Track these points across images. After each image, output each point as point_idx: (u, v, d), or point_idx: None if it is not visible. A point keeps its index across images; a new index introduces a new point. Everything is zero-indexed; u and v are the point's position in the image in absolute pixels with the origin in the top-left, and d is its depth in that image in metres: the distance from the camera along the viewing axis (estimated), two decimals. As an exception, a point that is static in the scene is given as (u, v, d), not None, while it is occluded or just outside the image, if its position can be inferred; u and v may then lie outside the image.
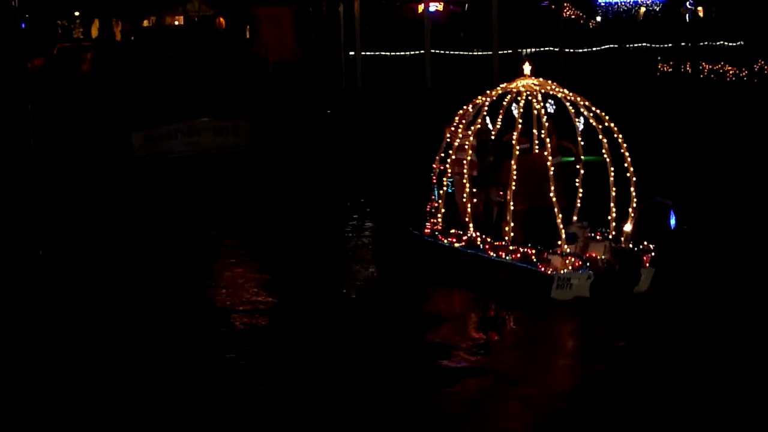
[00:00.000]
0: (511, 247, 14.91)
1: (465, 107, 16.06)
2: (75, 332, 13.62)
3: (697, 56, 38.82)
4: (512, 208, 14.81)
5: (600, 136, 15.10)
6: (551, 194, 14.60)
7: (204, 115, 28.31)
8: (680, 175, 22.96)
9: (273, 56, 41.39)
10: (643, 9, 45.51)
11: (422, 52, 35.41)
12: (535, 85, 15.29)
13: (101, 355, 12.67)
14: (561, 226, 14.55)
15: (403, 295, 15.38)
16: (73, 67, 41.55)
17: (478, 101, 15.90)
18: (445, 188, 16.43)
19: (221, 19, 45.99)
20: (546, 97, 15.27)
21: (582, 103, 15.29)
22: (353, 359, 12.45)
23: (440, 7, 39.58)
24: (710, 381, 11.58)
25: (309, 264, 17.10)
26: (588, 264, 14.43)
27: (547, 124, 14.96)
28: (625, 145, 15.07)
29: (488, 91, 15.86)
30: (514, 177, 14.77)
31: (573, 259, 14.38)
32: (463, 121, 16.05)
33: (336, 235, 19.12)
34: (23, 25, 16.98)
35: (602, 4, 45.93)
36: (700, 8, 46.40)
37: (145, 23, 56.73)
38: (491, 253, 15.18)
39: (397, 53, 35.82)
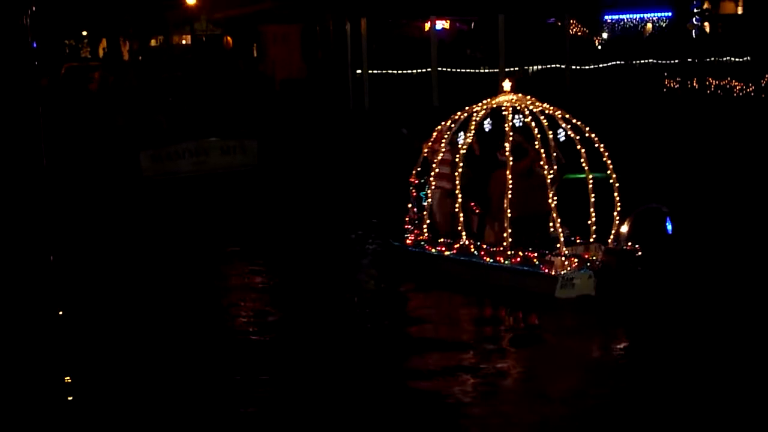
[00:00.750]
0: (509, 252, 15.38)
1: (443, 123, 16.64)
2: (84, 333, 13.95)
3: (703, 72, 38.80)
4: (509, 215, 15.37)
5: (578, 147, 15.62)
6: (545, 201, 15.29)
7: (212, 134, 28.35)
8: (686, 190, 22.96)
9: (280, 75, 41.48)
10: (649, 25, 45.52)
11: (429, 70, 35.48)
12: (514, 101, 15.83)
13: (108, 359, 12.91)
14: (560, 229, 15.12)
15: (407, 304, 15.66)
16: (80, 86, 41.75)
17: (456, 116, 16.47)
18: (429, 200, 16.79)
19: (228, 38, 46.12)
20: (516, 111, 15.76)
21: (560, 115, 15.77)
22: (357, 368, 12.55)
23: (447, 25, 39.63)
24: (715, 382, 11.73)
25: (311, 278, 17.22)
26: (588, 264, 15.01)
27: (539, 135, 15.51)
28: (606, 153, 15.65)
29: (467, 107, 16.40)
30: (510, 186, 15.32)
31: (574, 260, 14.97)
32: (446, 136, 16.53)
33: (338, 252, 19.15)
34: (35, 45, 17.09)
35: (609, 20, 45.97)
36: (706, 24, 46.40)
37: (153, 43, 56.95)
38: (487, 259, 15.63)
39: (404, 71, 35.86)
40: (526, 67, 37.11)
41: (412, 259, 16.93)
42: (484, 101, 16.21)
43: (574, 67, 37.74)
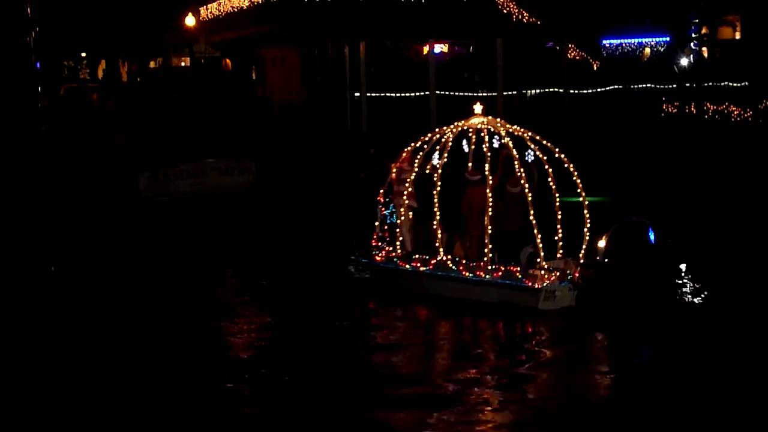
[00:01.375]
0: (490, 267, 15.80)
1: (413, 144, 17.16)
2: (81, 337, 14.52)
3: (701, 97, 38.89)
4: (489, 231, 15.81)
5: (546, 167, 16.02)
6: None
7: (209, 155, 28.37)
8: (681, 211, 23.02)
9: (279, 97, 41.59)
10: (647, 50, 45.70)
11: (427, 93, 35.54)
12: (485, 123, 16.31)
13: (104, 369, 13.18)
14: (540, 245, 15.54)
15: (402, 321, 15.76)
16: (79, 108, 41.78)
17: (426, 138, 16.97)
18: (402, 218, 17.12)
19: (227, 61, 46.29)
20: (492, 134, 16.20)
21: (528, 137, 16.18)
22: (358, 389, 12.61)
23: (445, 48, 39.75)
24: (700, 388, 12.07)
25: (292, 297, 17.34)
26: (569, 277, 15.53)
27: (518, 155, 15.92)
28: (576, 173, 16.07)
29: (437, 129, 17.03)
30: (490, 204, 15.78)
31: (556, 273, 15.49)
32: (418, 157, 16.95)
33: (321, 271, 19.17)
34: (38, 65, 17.23)
35: (607, 45, 46.17)
36: (704, 49, 46.58)
37: (152, 64, 57.13)
38: (467, 274, 15.98)
39: (402, 94, 35.91)
40: (524, 91, 37.18)
41: (385, 276, 17.17)
42: (455, 123, 16.68)
43: (572, 91, 37.80)
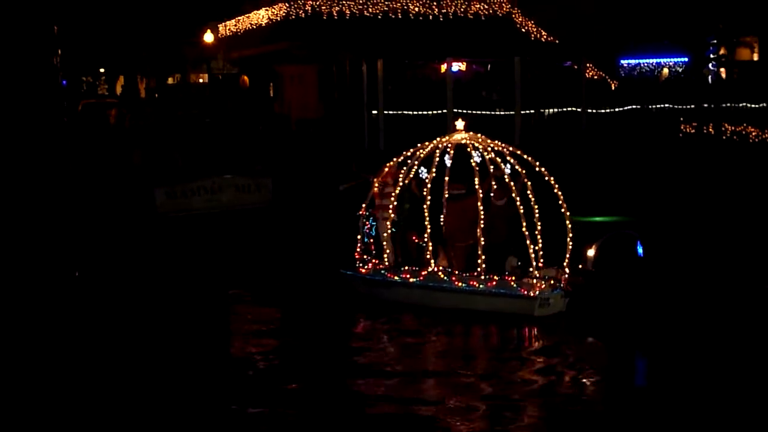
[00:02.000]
0: (483, 277, 16.29)
1: (395, 159, 17.83)
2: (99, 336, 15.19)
3: (719, 117, 38.76)
4: (482, 242, 16.32)
5: (525, 180, 16.61)
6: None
7: (227, 171, 28.42)
8: (697, 233, 22.96)
9: (296, 114, 41.68)
10: (665, 70, 45.62)
11: (444, 111, 35.50)
12: (465, 139, 16.96)
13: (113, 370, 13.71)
14: (533, 255, 16.13)
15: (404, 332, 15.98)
16: (97, 123, 41.97)
17: (408, 153, 17.61)
18: (389, 231, 17.45)
19: (245, 78, 46.42)
20: (475, 148, 16.92)
21: (507, 151, 16.83)
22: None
23: (463, 66, 39.74)
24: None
25: (291, 312, 17.65)
26: (561, 285, 16.12)
27: (507, 170, 16.67)
28: (556, 185, 16.64)
29: (419, 144, 17.58)
30: (482, 216, 16.32)
31: (551, 281, 16.09)
32: (403, 170, 17.61)
33: (322, 286, 19.25)
34: (64, 83, 17.53)
35: (625, 65, 46.11)
36: (722, 70, 46.48)
37: (170, 80, 57.37)
38: (459, 284, 16.44)
39: (420, 112, 35.86)
40: (541, 110, 37.11)
41: (374, 288, 17.43)
42: (437, 139, 17.25)
43: (590, 110, 37.72)
